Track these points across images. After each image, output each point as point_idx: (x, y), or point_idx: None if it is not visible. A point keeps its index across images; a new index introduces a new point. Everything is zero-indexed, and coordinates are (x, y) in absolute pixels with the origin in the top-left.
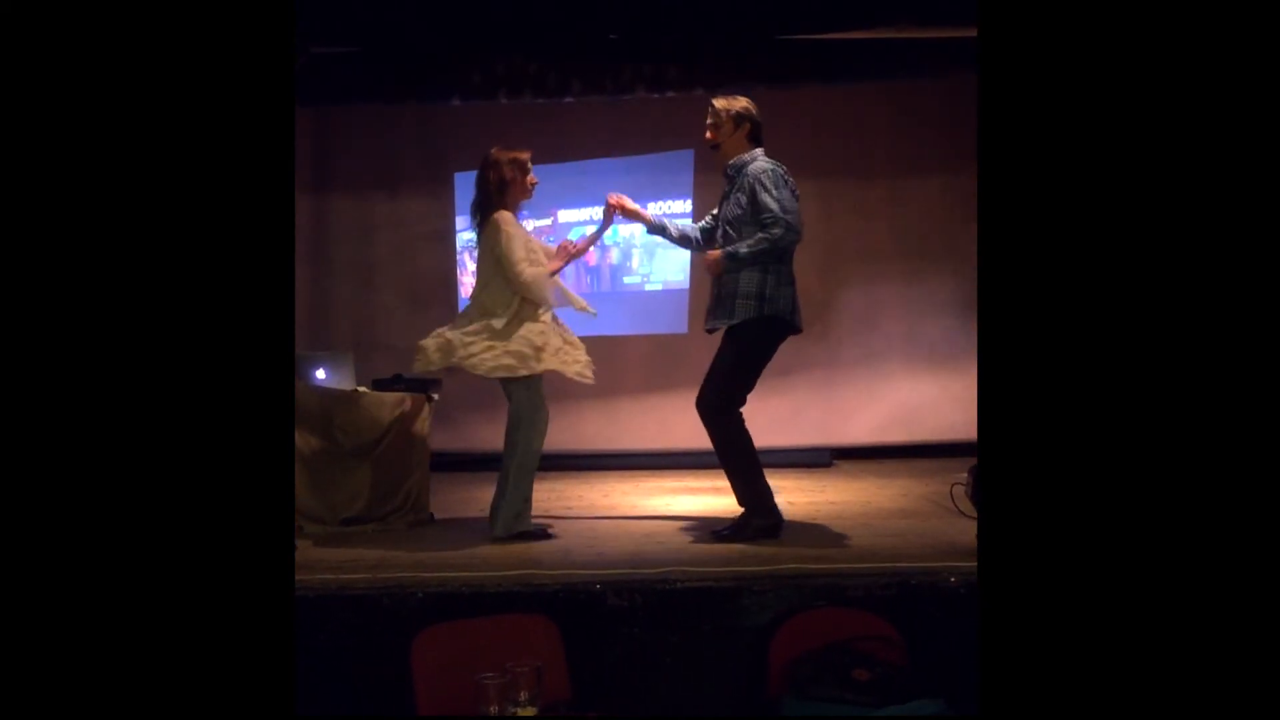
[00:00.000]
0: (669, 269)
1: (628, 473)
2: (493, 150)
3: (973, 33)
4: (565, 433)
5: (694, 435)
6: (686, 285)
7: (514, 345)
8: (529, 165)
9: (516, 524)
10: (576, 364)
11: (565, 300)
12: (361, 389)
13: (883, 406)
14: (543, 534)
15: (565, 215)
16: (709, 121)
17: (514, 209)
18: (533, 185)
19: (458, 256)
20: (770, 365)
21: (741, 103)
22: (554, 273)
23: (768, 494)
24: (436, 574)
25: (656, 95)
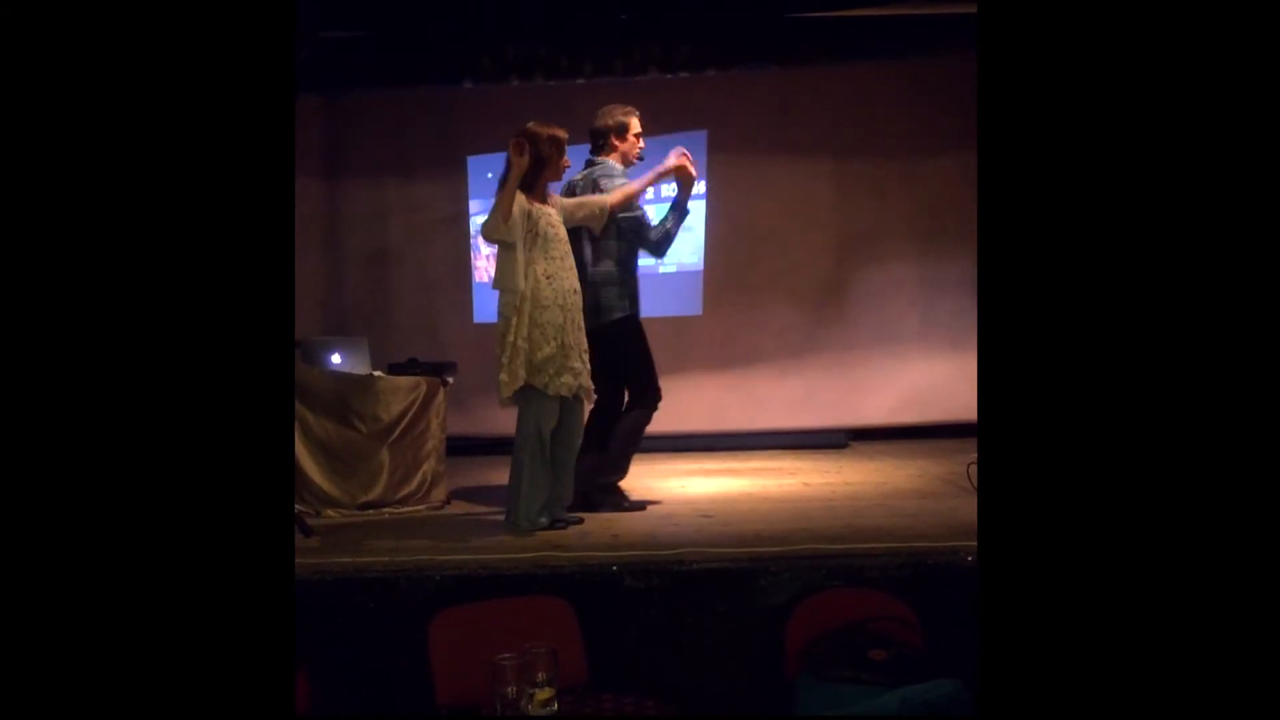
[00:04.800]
0: (683, 251)
1: (642, 455)
2: (530, 124)
3: None
4: None
5: (708, 418)
6: (700, 267)
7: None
8: (565, 146)
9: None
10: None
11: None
12: (377, 374)
13: (898, 387)
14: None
15: None
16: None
17: (540, 191)
18: (565, 168)
19: (471, 240)
20: (785, 347)
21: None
22: (502, 205)
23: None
24: (453, 557)
25: (669, 76)
